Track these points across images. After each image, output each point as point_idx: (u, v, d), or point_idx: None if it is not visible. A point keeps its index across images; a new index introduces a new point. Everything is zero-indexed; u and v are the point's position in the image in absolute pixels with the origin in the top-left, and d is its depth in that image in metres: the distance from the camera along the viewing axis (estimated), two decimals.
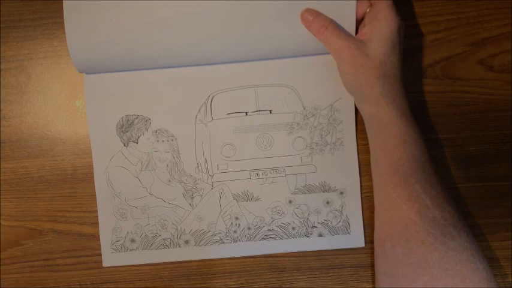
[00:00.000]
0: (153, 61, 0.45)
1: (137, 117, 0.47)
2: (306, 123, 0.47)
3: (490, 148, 0.48)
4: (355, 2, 0.42)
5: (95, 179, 0.48)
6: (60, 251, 0.48)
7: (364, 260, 0.48)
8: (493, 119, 0.47)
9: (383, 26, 0.40)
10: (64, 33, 0.43)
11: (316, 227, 0.47)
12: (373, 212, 0.45)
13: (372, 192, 0.47)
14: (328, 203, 0.47)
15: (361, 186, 0.47)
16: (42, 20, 0.48)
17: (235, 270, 0.48)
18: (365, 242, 0.48)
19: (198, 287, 0.48)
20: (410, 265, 0.38)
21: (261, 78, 0.47)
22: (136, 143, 0.47)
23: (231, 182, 0.48)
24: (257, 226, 0.48)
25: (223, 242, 0.48)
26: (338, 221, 0.47)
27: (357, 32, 0.43)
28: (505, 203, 0.48)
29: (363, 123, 0.45)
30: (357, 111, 0.47)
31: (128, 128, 0.47)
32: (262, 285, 0.48)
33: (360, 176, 0.47)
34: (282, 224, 0.48)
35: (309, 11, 0.42)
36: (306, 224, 0.47)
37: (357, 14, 0.42)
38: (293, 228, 0.48)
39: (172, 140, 0.47)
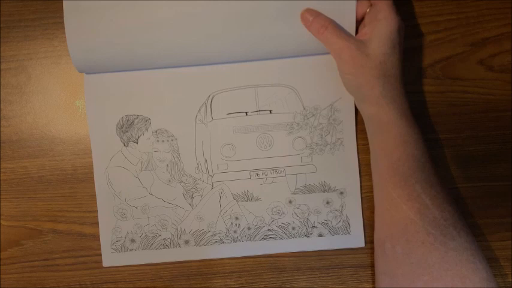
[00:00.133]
0: (153, 61, 0.45)
1: (137, 117, 0.47)
2: (306, 123, 0.47)
3: (490, 148, 0.48)
4: (355, 2, 0.42)
5: (95, 179, 0.48)
6: (60, 251, 0.48)
7: (364, 260, 0.48)
8: (493, 119, 0.47)
9: (383, 26, 0.40)
10: (64, 33, 0.43)
11: (316, 227, 0.47)
12: (373, 212, 0.45)
13: (372, 192, 0.47)
14: (328, 203, 0.47)
15: (361, 186, 0.47)
16: (42, 20, 0.48)
17: (235, 270, 0.48)
18: (365, 242, 0.48)
19: (198, 287, 0.48)
20: (410, 265, 0.38)
21: (261, 78, 0.47)
22: (136, 143, 0.47)
23: (231, 182, 0.48)
24: (257, 226, 0.48)
25: (223, 242, 0.48)
26: (338, 221, 0.47)
27: (357, 32, 0.43)
28: (505, 203, 0.48)
29: (363, 123, 0.45)
30: (357, 111, 0.47)
31: (128, 128, 0.47)
32: (262, 285, 0.48)
33: (360, 176, 0.47)
34: (282, 224, 0.48)
35: (309, 11, 0.42)
36: (306, 224, 0.47)
37: (357, 14, 0.42)
38: (293, 228, 0.48)
39: (172, 140, 0.47)
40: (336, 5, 0.42)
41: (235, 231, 0.48)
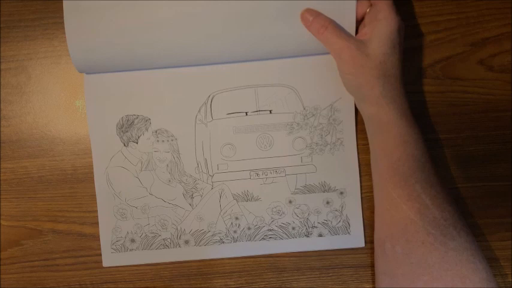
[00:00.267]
0: (153, 61, 0.45)
1: (137, 117, 0.47)
2: (306, 123, 0.47)
3: (490, 148, 0.48)
4: (355, 2, 0.42)
5: (95, 179, 0.48)
6: (60, 251, 0.48)
7: (364, 260, 0.48)
8: (493, 119, 0.47)
9: (383, 26, 0.40)
10: (64, 33, 0.43)
11: (316, 227, 0.47)
12: (373, 212, 0.45)
13: (372, 192, 0.47)
14: (328, 203, 0.47)
15: (361, 186, 0.47)
16: (42, 20, 0.48)
17: (235, 270, 0.48)
18: (365, 242, 0.48)
19: (198, 287, 0.48)
20: (410, 265, 0.38)
21: (261, 78, 0.47)
22: (136, 143, 0.47)
23: (231, 182, 0.48)
24: (257, 226, 0.48)
25: (223, 242, 0.48)
26: (338, 221, 0.47)
27: (357, 32, 0.43)
28: (505, 203, 0.48)
29: (363, 123, 0.45)
30: (357, 111, 0.47)
31: (128, 128, 0.47)
32: (262, 285, 0.48)
33: (360, 176, 0.47)
34: (282, 224, 0.48)
35: (309, 11, 0.42)
36: (306, 224, 0.47)
37: (357, 14, 0.42)
38: (293, 228, 0.48)
39: (172, 140, 0.47)
40: (336, 5, 0.42)
41: (235, 231, 0.48)
